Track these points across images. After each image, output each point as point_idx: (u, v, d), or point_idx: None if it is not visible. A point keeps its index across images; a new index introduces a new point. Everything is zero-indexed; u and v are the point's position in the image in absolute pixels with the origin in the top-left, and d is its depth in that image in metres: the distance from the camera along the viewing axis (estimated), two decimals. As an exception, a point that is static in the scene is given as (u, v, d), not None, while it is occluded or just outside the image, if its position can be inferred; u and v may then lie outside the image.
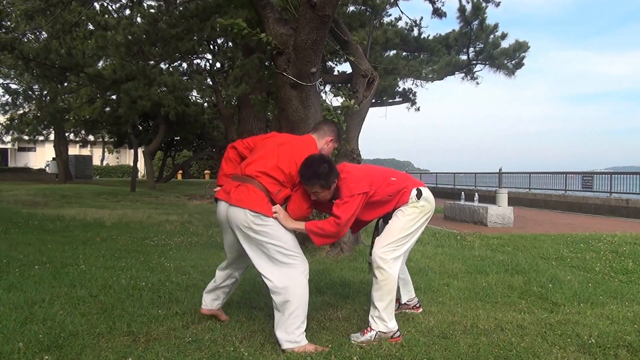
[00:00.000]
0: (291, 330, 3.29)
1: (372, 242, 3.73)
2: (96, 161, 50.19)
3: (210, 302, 3.86)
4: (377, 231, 3.81)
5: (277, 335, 3.32)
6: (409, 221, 3.60)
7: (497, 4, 14.87)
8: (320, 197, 3.45)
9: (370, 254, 3.66)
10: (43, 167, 41.41)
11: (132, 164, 27.92)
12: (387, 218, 3.72)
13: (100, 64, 18.87)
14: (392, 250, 3.54)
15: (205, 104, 28.41)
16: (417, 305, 4.20)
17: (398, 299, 4.14)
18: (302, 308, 3.33)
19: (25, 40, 19.42)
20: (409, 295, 4.18)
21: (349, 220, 3.36)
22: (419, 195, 3.63)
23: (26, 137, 29.97)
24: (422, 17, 18.50)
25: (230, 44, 18.09)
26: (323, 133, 3.75)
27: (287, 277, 3.33)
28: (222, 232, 3.71)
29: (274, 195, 3.40)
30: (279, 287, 3.32)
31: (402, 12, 23.74)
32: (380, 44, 16.46)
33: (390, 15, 17.71)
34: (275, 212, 3.36)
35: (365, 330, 3.49)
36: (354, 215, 3.39)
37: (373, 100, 8.58)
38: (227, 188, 3.48)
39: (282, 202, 3.49)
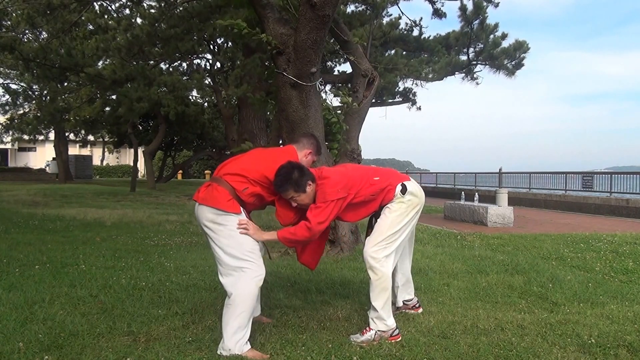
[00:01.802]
0: (229, 335, 3.20)
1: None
2: (96, 161, 50.18)
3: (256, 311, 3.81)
4: (371, 229, 3.80)
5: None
6: (397, 217, 3.59)
7: (496, 5, 14.89)
8: (299, 202, 3.44)
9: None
10: (43, 167, 41.38)
11: (132, 164, 27.90)
12: (377, 216, 3.71)
13: (100, 63, 18.86)
14: (382, 248, 3.53)
15: (206, 104, 28.40)
16: (417, 306, 4.19)
17: (393, 303, 4.14)
18: (245, 315, 3.23)
19: (25, 40, 19.43)
20: (408, 296, 4.17)
21: (321, 225, 3.36)
22: (404, 190, 3.62)
23: (26, 137, 29.98)
24: (421, 18, 18.51)
25: (230, 44, 18.09)
26: (302, 146, 3.76)
27: (237, 279, 3.28)
28: None
29: (240, 193, 3.40)
30: (227, 287, 3.29)
31: (402, 12, 23.67)
32: (381, 37, 16.47)
33: (390, 15, 17.72)
34: (243, 226, 3.33)
35: (365, 330, 3.49)
36: (327, 220, 3.40)
37: (373, 100, 8.58)
38: (200, 189, 3.51)
39: (251, 199, 3.46)
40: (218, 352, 3.20)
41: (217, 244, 3.37)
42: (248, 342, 3.24)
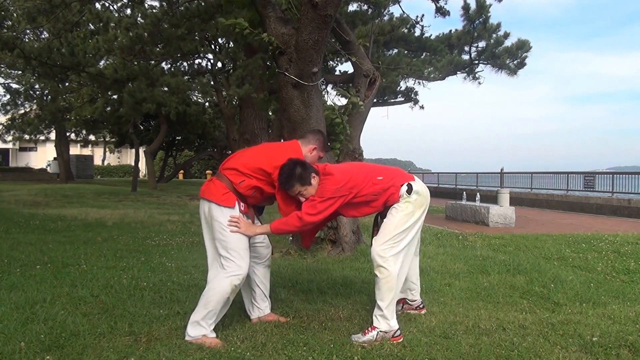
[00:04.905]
0: (193, 320, 3.42)
1: (372, 240, 3.74)
2: (97, 161, 50.21)
3: (257, 311, 3.92)
4: (377, 228, 3.80)
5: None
6: (404, 216, 3.59)
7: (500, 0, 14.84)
8: (307, 197, 3.51)
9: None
10: (44, 167, 41.40)
11: (133, 164, 27.90)
12: (383, 216, 3.72)
13: (102, 63, 18.84)
14: (389, 247, 3.53)
15: (207, 104, 28.39)
16: (421, 307, 4.19)
17: (404, 299, 4.14)
18: (212, 307, 3.41)
19: (26, 39, 19.44)
20: (412, 296, 4.16)
21: (311, 217, 3.44)
22: (410, 190, 3.62)
23: (27, 137, 29.99)
24: (423, 15, 18.48)
25: (232, 43, 18.08)
26: (307, 141, 3.81)
27: (215, 272, 3.48)
28: None
29: (237, 185, 3.51)
30: (208, 277, 3.52)
31: (403, 11, 23.69)
32: (388, 33, 16.44)
33: (391, 13, 17.68)
34: (234, 223, 3.45)
35: (367, 331, 3.48)
36: (320, 214, 3.46)
37: (375, 100, 8.58)
38: (204, 184, 3.68)
39: (249, 192, 3.55)
40: (185, 338, 3.42)
41: (207, 237, 3.57)
42: (212, 331, 3.45)
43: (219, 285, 3.43)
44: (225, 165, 3.61)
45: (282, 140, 7.43)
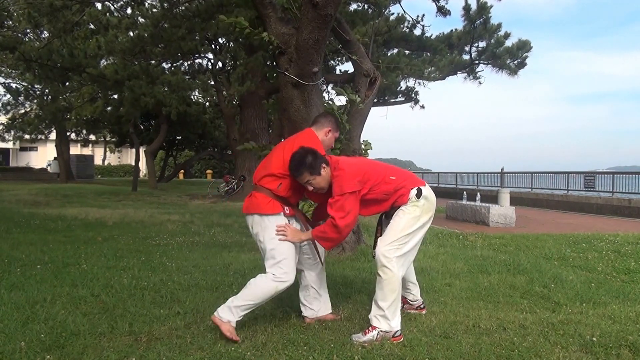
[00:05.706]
0: (230, 304, 3.45)
1: (375, 240, 3.72)
2: (98, 161, 50.20)
3: (309, 311, 3.91)
4: (381, 227, 3.80)
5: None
6: (411, 219, 3.59)
7: None
8: (315, 186, 3.50)
9: (374, 251, 3.65)
10: (44, 167, 41.40)
11: (133, 164, 27.90)
12: (388, 216, 3.71)
13: (102, 62, 18.84)
14: (395, 248, 3.53)
15: (207, 104, 28.39)
16: (422, 307, 4.18)
17: (404, 299, 4.13)
18: (252, 301, 3.47)
19: (27, 39, 19.44)
20: (412, 296, 4.16)
21: (344, 219, 3.39)
22: (419, 194, 3.62)
23: (28, 137, 30.00)
24: (423, 15, 18.50)
25: (232, 43, 18.08)
26: (320, 125, 3.85)
27: (262, 274, 3.52)
28: None
29: (276, 191, 3.54)
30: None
31: (404, 10, 23.60)
32: (385, 32, 16.45)
33: (392, 13, 17.69)
34: (281, 232, 3.49)
35: (367, 330, 3.48)
36: (350, 213, 3.41)
37: (375, 100, 8.57)
38: (245, 201, 3.69)
39: (289, 193, 3.59)
40: (212, 316, 3.49)
41: (261, 248, 3.60)
42: (235, 323, 3.46)
43: (265, 285, 3.47)
44: (258, 176, 3.65)
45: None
